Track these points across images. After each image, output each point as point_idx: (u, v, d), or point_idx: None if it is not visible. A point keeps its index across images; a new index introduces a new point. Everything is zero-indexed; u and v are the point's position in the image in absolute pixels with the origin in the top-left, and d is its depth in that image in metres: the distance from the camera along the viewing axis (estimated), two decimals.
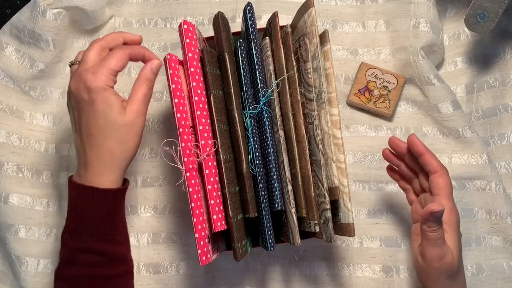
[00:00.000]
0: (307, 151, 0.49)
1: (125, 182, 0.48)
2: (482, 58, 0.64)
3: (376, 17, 0.66)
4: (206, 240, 0.48)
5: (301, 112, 0.49)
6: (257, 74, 0.48)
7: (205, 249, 0.47)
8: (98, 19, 0.64)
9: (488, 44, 0.64)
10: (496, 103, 0.62)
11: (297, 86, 0.50)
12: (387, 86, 0.63)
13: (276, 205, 0.47)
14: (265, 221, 0.47)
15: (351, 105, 0.64)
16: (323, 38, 0.52)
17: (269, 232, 0.47)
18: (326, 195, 0.48)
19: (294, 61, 0.50)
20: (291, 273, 0.62)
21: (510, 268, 0.60)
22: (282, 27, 0.53)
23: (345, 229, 0.49)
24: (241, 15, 0.66)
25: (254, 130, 0.48)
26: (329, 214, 0.48)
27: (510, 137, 0.62)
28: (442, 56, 0.64)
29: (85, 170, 0.45)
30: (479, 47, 0.64)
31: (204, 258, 0.47)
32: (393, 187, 0.62)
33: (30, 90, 0.64)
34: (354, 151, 0.63)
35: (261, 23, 0.65)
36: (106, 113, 0.44)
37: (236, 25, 0.65)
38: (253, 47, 0.49)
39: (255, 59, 0.48)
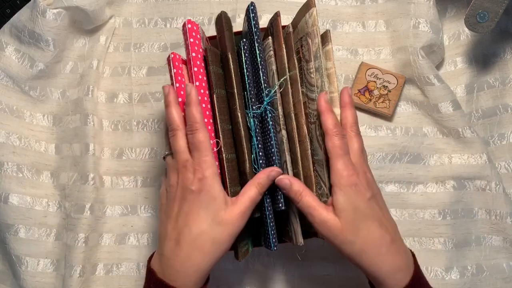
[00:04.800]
0: (309, 151, 0.48)
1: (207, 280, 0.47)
2: (482, 58, 0.64)
3: (376, 17, 0.66)
4: None
5: (303, 112, 0.49)
6: (261, 74, 0.48)
7: None
8: (98, 19, 0.64)
9: (488, 44, 0.64)
10: (496, 103, 0.62)
11: (299, 86, 0.50)
12: (387, 86, 0.63)
13: (280, 205, 0.47)
14: (268, 221, 0.47)
15: None
16: (325, 38, 0.52)
17: (272, 232, 0.47)
18: (329, 195, 0.48)
19: (296, 61, 0.50)
20: (291, 273, 0.62)
21: (510, 268, 0.60)
22: (284, 27, 0.53)
23: None
24: (241, 15, 0.66)
25: (257, 130, 0.48)
26: None
27: (510, 137, 0.62)
28: (442, 56, 0.64)
29: (168, 270, 0.44)
30: (479, 47, 0.64)
31: None
32: (393, 187, 0.62)
33: (30, 90, 0.64)
34: None
35: (261, 23, 0.65)
36: (208, 205, 0.43)
37: (236, 25, 0.65)
38: (256, 47, 0.48)
39: (259, 59, 0.48)
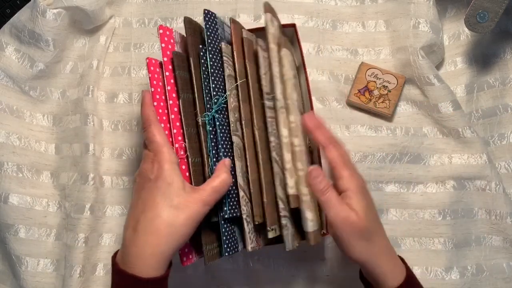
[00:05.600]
0: (260, 158, 0.48)
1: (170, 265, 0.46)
2: (482, 58, 0.64)
3: (376, 17, 0.66)
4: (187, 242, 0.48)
5: (258, 119, 0.49)
6: (210, 82, 0.48)
7: (186, 250, 0.48)
8: (98, 19, 0.64)
9: (488, 44, 0.64)
10: (496, 103, 0.62)
11: (252, 93, 0.49)
12: (387, 86, 0.63)
13: (223, 213, 0.47)
14: (220, 226, 0.47)
15: (351, 105, 0.64)
16: (280, 43, 0.52)
17: (223, 237, 0.47)
18: (280, 203, 0.48)
19: (248, 67, 0.50)
20: (291, 273, 0.62)
21: (510, 268, 0.60)
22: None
23: (306, 237, 0.49)
24: (241, 15, 0.66)
25: (211, 136, 0.48)
26: (284, 221, 0.48)
27: (510, 137, 0.62)
28: (442, 56, 0.64)
29: (127, 258, 0.44)
30: (479, 47, 0.64)
31: (184, 258, 0.48)
32: (393, 187, 0.62)
33: (30, 90, 0.64)
34: (354, 151, 0.63)
35: (261, 22, 0.65)
36: (164, 191, 0.44)
37: None
38: (207, 56, 0.49)
39: (209, 68, 0.48)
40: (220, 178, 0.45)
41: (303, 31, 0.65)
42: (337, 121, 0.64)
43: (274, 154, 0.48)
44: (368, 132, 0.63)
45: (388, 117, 0.63)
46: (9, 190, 0.60)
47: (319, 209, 0.51)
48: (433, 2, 0.61)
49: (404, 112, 0.64)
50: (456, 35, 0.65)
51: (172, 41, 0.50)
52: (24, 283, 0.60)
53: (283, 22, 0.57)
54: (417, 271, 0.61)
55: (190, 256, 0.48)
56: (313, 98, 0.64)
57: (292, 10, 0.66)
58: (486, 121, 0.63)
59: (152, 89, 0.48)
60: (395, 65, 0.64)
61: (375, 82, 0.63)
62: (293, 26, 0.57)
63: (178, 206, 0.43)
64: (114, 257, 0.46)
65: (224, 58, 0.50)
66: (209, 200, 0.45)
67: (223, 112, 0.49)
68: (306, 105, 0.57)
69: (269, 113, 0.49)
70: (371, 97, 0.63)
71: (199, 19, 0.66)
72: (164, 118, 0.48)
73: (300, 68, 0.58)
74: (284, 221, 0.48)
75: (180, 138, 0.48)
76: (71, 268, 0.59)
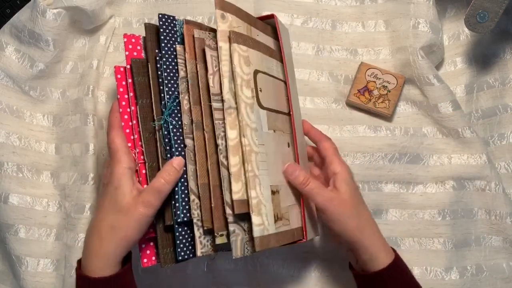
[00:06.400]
0: (208, 161, 0.47)
1: (127, 261, 0.48)
2: (482, 58, 0.64)
3: (375, 17, 0.66)
4: (151, 243, 0.49)
5: (207, 121, 0.48)
6: (163, 86, 0.49)
7: (148, 251, 0.48)
8: (98, 19, 0.64)
9: (488, 44, 0.64)
10: (495, 103, 0.62)
11: (201, 94, 0.48)
12: (386, 86, 0.63)
13: (176, 217, 0.47)
14: (174, 230, 0.47)
15: (350, 105, 0.64)
16: (234, 39, 0.50)
17: (177, 241, 0.47)
18: (227, 209, 0.46)
19: (198, 68, 0.49)
20: (290, 274, 0.62)
21: (510, 268, 0.60)
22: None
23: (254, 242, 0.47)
24: None
25: (166, 140, 0.48)
26: (232, 227, 0.46)
27: (510, 137, 0.62)
28: (441, 56, 0.64)
29: (82, 261, 0.47)
30: (479, 47, 0.64)
31: (145, 260, 0.48)
32: (393, 187, 0.62)
33: (30, 90, 0.64)
34: (354, 151, 0.63)
35: None
36: (112, 195, 0.46)
37: None
38: (160, 61, 0.49)
39: (163, 72, 0.49)
40: (161, 178, 0.46)
41: (303, 31, 0.65)
42: (337, 121, 0.64)
43: (221, 157, 0.47)
44: (368, 132, 0.63)
45: (388, 117, 0.63)
46: (9, 190, 0.60)
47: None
48: (433, 2, 0.61)
49: (404, 112, 0.64)
50: (456, 35, 0.65)
51: (138, 47, 0.51)
52: (24, 283, 0.60)
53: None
54: (416, 271, 0.61)
55: (153, 258, 0.49)
56: (312, 98, 0.64)
57: (291, 10, 0.66)
58: (486, 121, 0.63)
59: (118, 96, 0.50)
60: (394, 65, 0.64)
61: (374, 82, 0.63)
62: (272, 17, 0.55)
63: (121, 210, 0.45)
64: (79, 260, 0.48)
65: (179, 60, 0.49)
66: (150, 200, 0.45)
67: (179, 116, 0.48)
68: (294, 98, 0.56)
69: (217, 115, 0.48)
70: (370, 97, 0.63)
71: (200, 18, 0.67)
72: (131, 124, 0.50)
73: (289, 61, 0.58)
74: (232, 227, 0.46)
75: (140, 143, 0.49)
76: (71, 268, 0.59)
